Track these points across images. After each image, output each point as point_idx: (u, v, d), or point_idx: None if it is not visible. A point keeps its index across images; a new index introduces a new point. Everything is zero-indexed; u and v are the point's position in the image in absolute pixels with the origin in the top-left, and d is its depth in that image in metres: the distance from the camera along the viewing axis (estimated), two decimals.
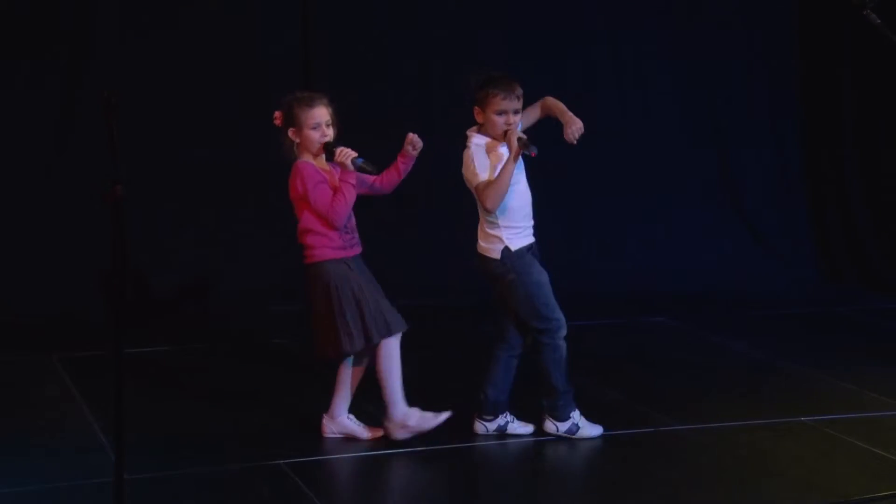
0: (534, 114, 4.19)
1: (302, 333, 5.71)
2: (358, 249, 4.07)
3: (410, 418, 4.06)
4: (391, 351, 4.02)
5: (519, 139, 4.02)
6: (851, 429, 4.31)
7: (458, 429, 4.21)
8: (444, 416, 4.09)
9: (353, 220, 4.08)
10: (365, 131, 4.23)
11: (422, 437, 4.12)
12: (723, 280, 6.90)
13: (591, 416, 4.38)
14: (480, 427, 4.25)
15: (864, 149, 7.21)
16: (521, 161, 4.10)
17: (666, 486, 3.80)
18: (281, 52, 6.45)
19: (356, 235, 4.08)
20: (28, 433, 4.25)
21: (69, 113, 6.22)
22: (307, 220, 4.01)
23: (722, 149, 7.31)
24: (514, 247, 4.08)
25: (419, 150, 4.06)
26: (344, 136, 4.07)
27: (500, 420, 4.25)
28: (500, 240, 4.08)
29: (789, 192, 7.43)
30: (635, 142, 7.10)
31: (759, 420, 4.43)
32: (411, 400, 4.11)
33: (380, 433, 4.13)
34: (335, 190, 3.97)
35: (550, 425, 4.19)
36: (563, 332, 4.12)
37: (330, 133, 4.00)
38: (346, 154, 3.95)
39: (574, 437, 4.16)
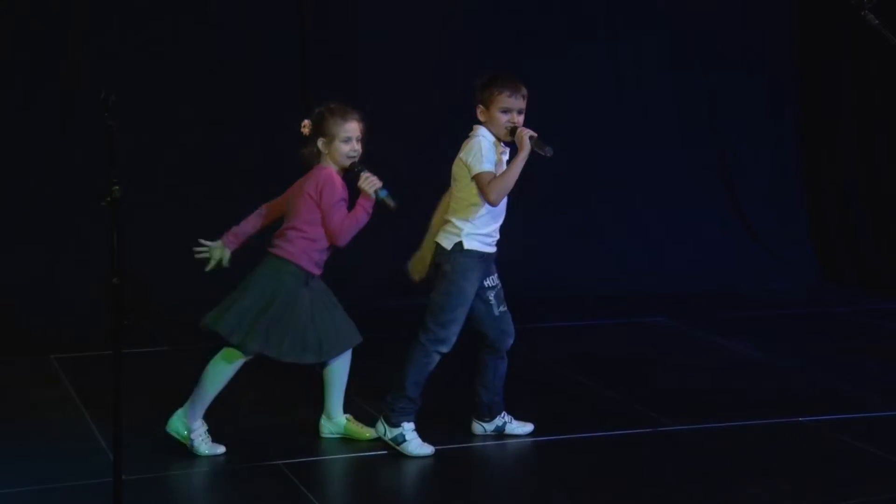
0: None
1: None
2: (320, 271, 4.03)
3: None
4: (223, 365, 3.98)
5: (531, 137, 3.98)
6: (850, 429, 4.31)
7: (456, 429, 4.21)
8: None
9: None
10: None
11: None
12: (721, 280, 6.90)
13: (590, 416, 4.39)
14: (478, 428, 4.25)
15: (864, 149, 7.21)
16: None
17: (664, 486, 3.80)
18: (279, 54, 6.46)
19: (325, 259, 4.03)
20: (26, 434, 4.25)
21: (68, 113, 6.23)
22: (304, 222, 3.98)
23: (721, 149, 7.31)
24: (466, 245, 4.04)
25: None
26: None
27: (498, 421, 4.24)
28: (458, 234, 4.05)
29: (788, 192, 7.43)
30: (634, 142, 7.10)
31: (758, 420, 4.43)
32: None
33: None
34: (348, 209, 3.95)
35: (380, 426, 4.08)
36: (443, 349, 4.04)
37: (359, 149, 3.99)
38: (372, 183, 3.93)
39: (398, 447, 4.03)
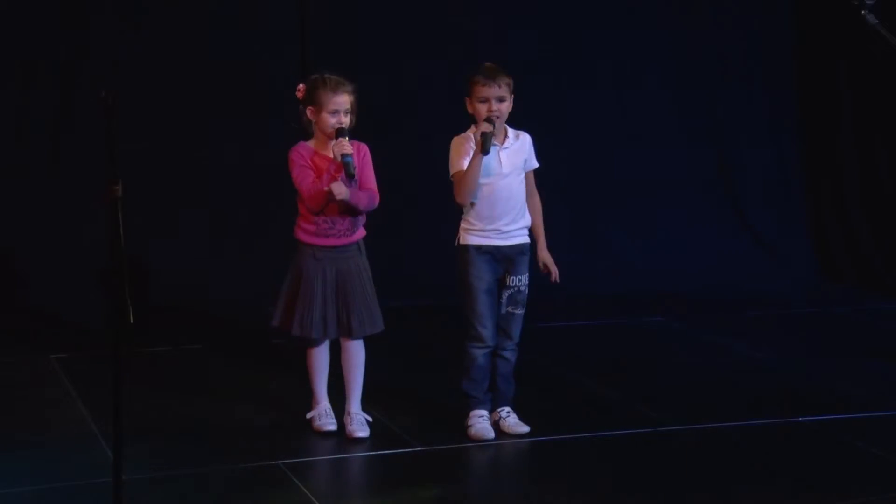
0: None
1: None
2: (339, 241, 4.09)
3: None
4: (310, 352, 4.17)
5: (483, 133, 3.96)
6: (850, 429, 4.31)
7: (457, 429, 4.21)
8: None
9: (342, 210, 4.05)
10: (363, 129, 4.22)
11: (420, 437, 4.13)
12: (721, 280, 6.89)
13: (589, 417, 4.38)
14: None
15: (863, 149, 7.21)
16: (501, 161, 4.07)
17: (664, 486, 3.80)
18: (279, 54, 6.44)
19: (343, 227, 4.08)
20: (26, 433, 4.24)
21: (67, 113, 6.22)
22: (298, 203, 4.12)
23: (720, 148, 7.30)
24: (462, 240, 4.12)
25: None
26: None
27: (495, 415, 4.23)
28: (460, 231, 4.14)
29: (788, 191, 7.42)
30: (633, 141, 7.09)
31: (758, 420, 4.43)
32: (417, 401, 4.08)
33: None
34: (319, 174, 4.01)
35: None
36: (478, 344, 4.12)
37: (346, 121, 4.04)
38: (342, 146, 3.99)
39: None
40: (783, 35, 7.31)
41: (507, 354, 4.22)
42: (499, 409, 4.26)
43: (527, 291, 4.20)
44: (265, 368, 5.16)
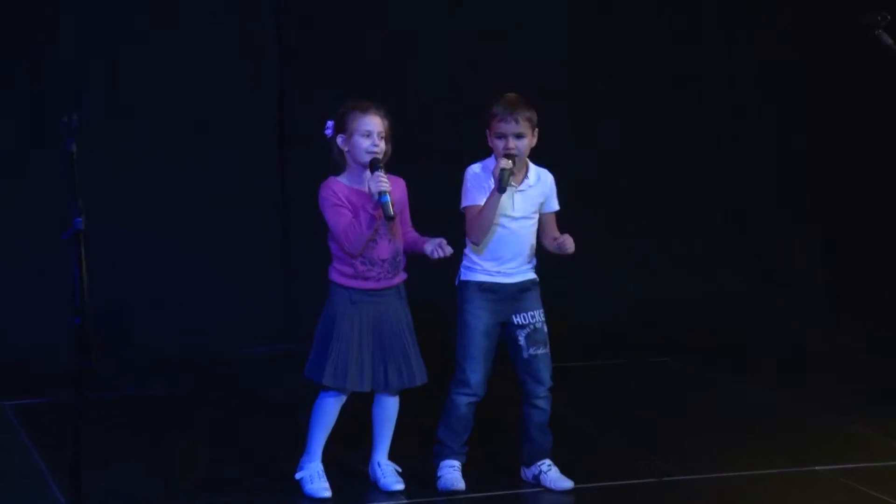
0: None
1: (272, 376, 5.72)
2: (377, 284, 4.02)
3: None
4: (323, 403, 4.06)
5: (503, 170, 3.93)
6: (869, 479, 4.29)
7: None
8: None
9: (383, 251, 4.00)
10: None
11: (424, 489, 4.11)
12: (729, 316, 6.91)
13: (589, 464, 4.37)
14: (523, 472, 4.21)
15: (879, 178, 7.26)
16: (514, 203, 4.03)
17: None
18: (254, 84, 6.48)
19: (381, 269, 4.01)
20: None
21: (31, 143, 6.21)
22: (331, 243, 4.05)
23: (728, 177, 7.34)
24: (463, 276, 4.11)
25: (437, 257, 3.97)
26: None
27: (535, 468, 4.18)
28: (461, 268, 4.13)
29: (799, 222, 7.46)
30: (632, 167, 7.11)
31: (771, 469, 4.42)
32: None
33: None
34: (355, 210, 3.94)
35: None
36: (465, 391, 4.07)
37: (382, 146, 3.97)
38: (379, 183, 3.89)
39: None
40: (795, 65, 7.36)
41: (541, 403, 4.16)
42: (538, 463, 4.20)
43: (545, 329, 4.15)
44: (236, 413, 5.14)
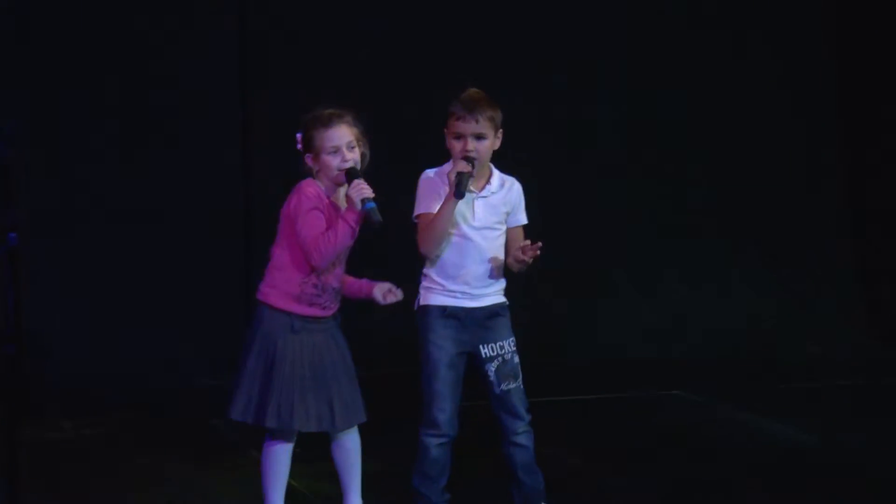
0: None
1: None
2: (323, 312, 3.96)
3: None
4: (272, 451, 3.98)
5: (459, 173, 3.87)
6: None
7: None
8: None
9: (334, 279, 3.97)
10: None
11: None
12: (752, 344, 6.93)
13: None
14: None
15: None
16: (475, 211, 3.99)
17: None
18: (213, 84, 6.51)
19: (329, 297, 3.97)
20: None
21: None
22: (279, 253, 3.95)
23: (749, 191, 7.37)
24: (422, 300, 4.03)
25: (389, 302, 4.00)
26: None
27: None
28: (420, 291, 4.03)
29: (830, 238, 7.48)
30: (642, 184, 7.14)
31: None
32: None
33: None
34: (329, 225, 3.88)
35: None
36: (433, 431, 3.98)
37: (352, 156, 3.93)
38: (361, 190, 3.86)
39: None
40: (824, 74, 7.41)
41: (521, 439, 4.07)
42: None
43: (516, 360, 4.07)
44: (181, 450, 5.10)
